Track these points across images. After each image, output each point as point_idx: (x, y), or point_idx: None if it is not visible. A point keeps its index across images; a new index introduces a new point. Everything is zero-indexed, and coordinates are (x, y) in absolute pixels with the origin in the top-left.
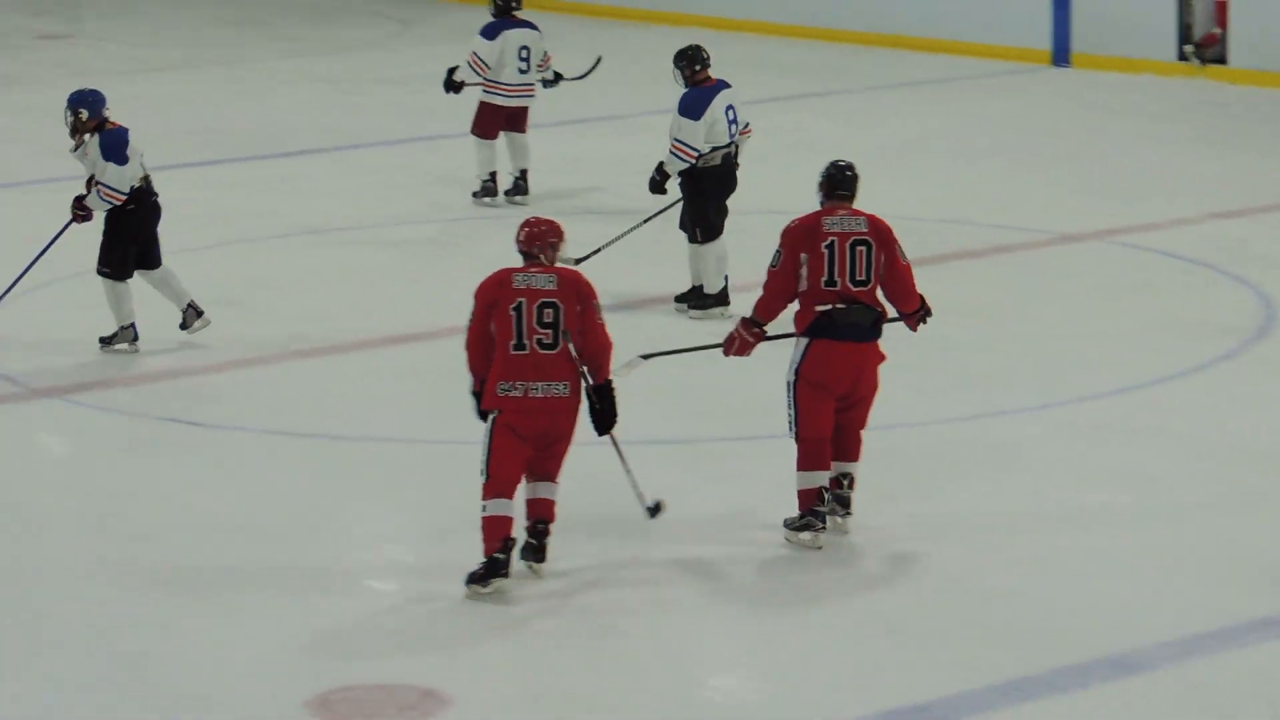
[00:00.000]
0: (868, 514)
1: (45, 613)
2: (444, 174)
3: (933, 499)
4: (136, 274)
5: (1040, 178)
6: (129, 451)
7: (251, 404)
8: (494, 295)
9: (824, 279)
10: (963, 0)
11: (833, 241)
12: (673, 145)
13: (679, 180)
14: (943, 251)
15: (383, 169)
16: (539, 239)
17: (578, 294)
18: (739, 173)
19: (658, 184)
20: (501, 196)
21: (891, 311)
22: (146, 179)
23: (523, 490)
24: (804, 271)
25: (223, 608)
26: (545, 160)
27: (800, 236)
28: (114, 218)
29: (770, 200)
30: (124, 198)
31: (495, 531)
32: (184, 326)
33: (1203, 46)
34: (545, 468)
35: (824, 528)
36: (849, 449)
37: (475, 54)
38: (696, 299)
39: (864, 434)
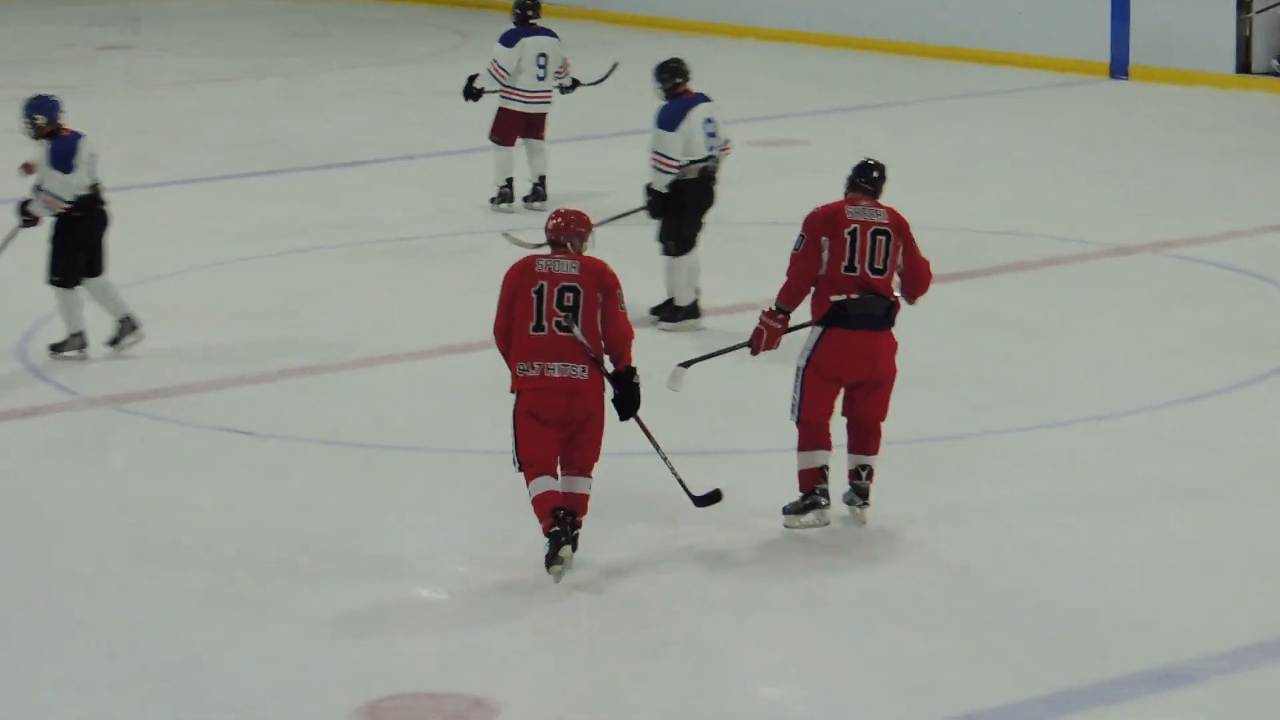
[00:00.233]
0: (919, 526)
1: (94, 620)
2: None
3: (984, 510)
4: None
5: (1094, 190)
6: (181, 461)
7: (303, 414)
8: (518, 281)
9: (844, 264)
10: (1021, 12)
11: (855, 228)
12: (652, 158)
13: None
14: (996, 263)
15: (440, 180)
16: (567, 229)
17: (599, 283)
18: (715, 189)
19: (656, 205)
20: (519, 202)
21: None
22: (95, 187)
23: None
24: (825, 256)
25: (272, 616)
26: (590, 171)
27: (823, 221)
28: (62, 226)
29: None
30: (66, 205)
31: (545, 508)
32: (113, 342)
33: None
34: (577, 459)
35: (828, 505)
36: (868, 441)
37: (495, 61)
38: (668, 312)
39: (915, 445)
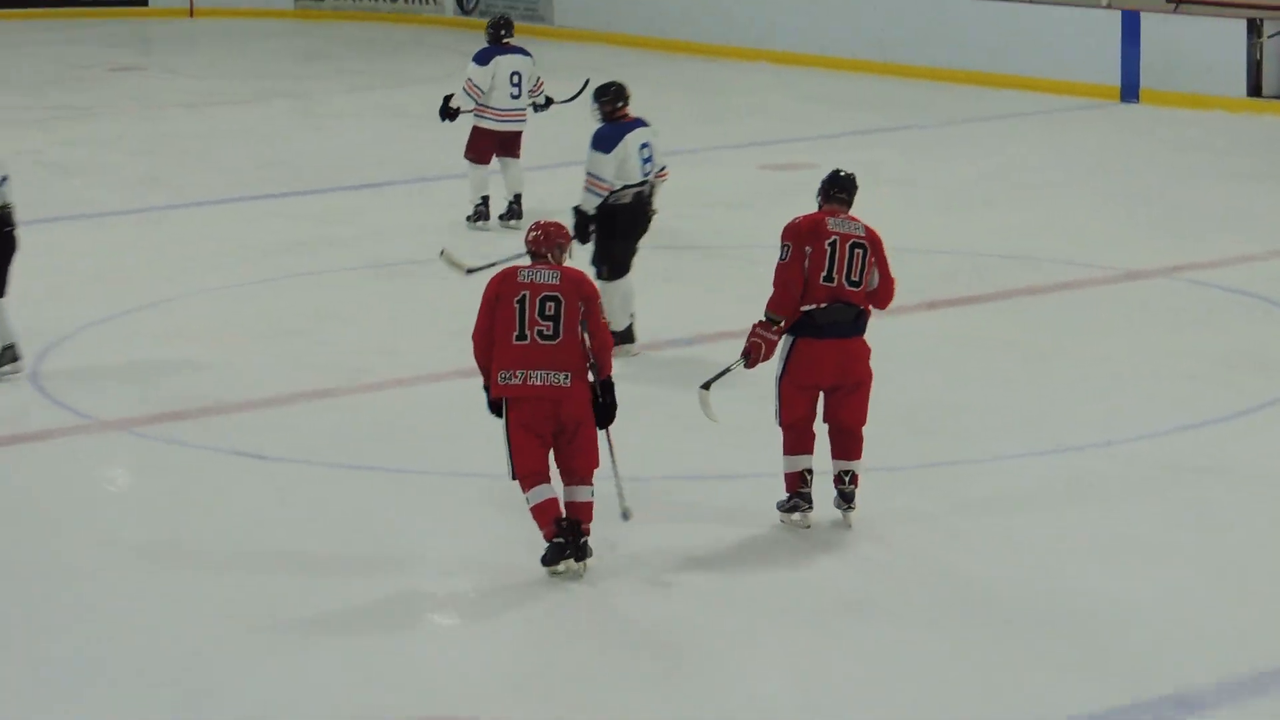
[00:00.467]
0: (929, 551)
1: (108, 645)
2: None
3: (999, 534)
4: None
5: (1108, 213)
6: (195, 484)
7: (317, 436)
8: (498, 290)
9: (823, 274)
10: (1033, 36)
11: (835, 240)
12: (586, 180)
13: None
14: (1010, 287)
15: (450, 202)
16: (547, 240)
17: (580, 292)
18: (654, 214)
19: (581, 227)
20: (495, 220)
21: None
22: (5, 208)
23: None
24: (805, 265)
25: (286, 641)
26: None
27: (806, 231)
28: None
29: None
30: None
31: (546, 517)
32: None
33: None
34: (575, 468)
35: (810, 508)
36: (850, 447)
37: (470, 80)
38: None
39: (928, 469)
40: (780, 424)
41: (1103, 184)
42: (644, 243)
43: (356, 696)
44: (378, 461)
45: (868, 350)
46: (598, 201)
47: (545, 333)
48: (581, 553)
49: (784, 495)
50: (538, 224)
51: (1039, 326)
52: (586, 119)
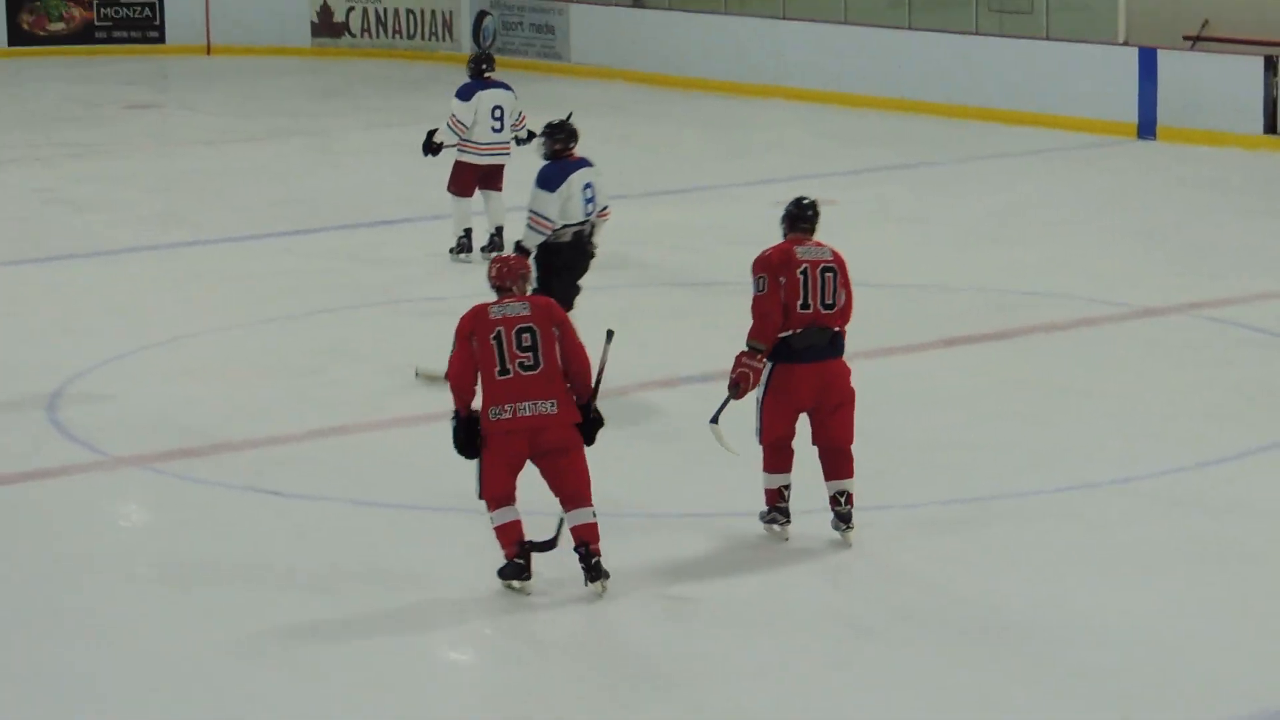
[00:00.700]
0: (949, 586)
1: (122, 680)
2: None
3: (1018, 571)
4: None
5: (1125, 251)
6: (209, 520)
7: (332, 473)
8: (470, 327)
9: (800, 302)
10: (1050, 73)
11: (806, 268)
12: (529, 218)
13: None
14: (1028, 324)
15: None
16: (510, 273)
17: (552, 318)
18: (595, 254)
19: (524, 249)
20: (478, 253)
21: None
22: None
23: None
24: (781, 294)
25: (304, 677)
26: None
27: (777, 263)
28: None
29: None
30: None
31: (508, 538)
32: None
33: None
34: (570, 491)
35: (788, 522)
36: (841, 466)
37: (453, 115)
38: None
39: (946, 505)
40: (760, 442)
41: (1119, 221)
42: (665, 279)
43: None
44: (392, 498)
45: (847, 370)
46: (540, 239)
47: (526, 364)
48: (596, 573)
49: (764, 508)
50: (497, 259)
51: (1056, 363)
52: (595, 158)
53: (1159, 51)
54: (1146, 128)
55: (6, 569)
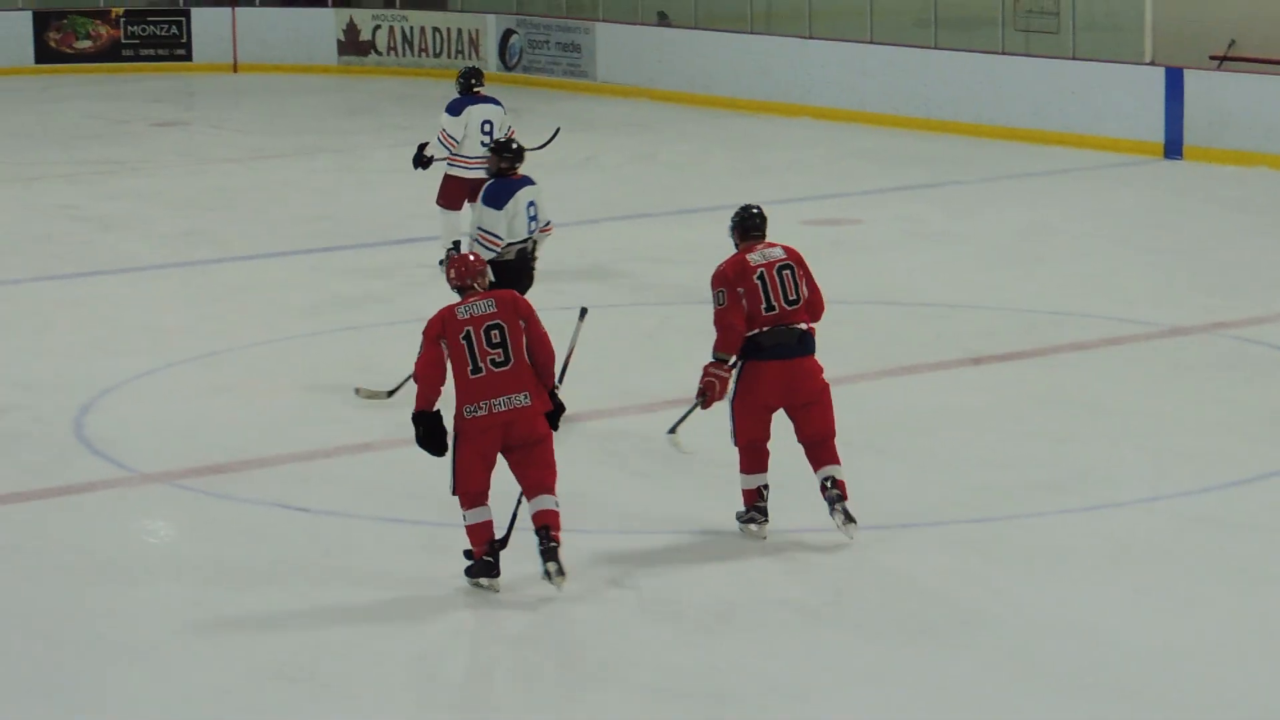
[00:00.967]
0: (975, 606)
1: (149, 696)
2: (554, 261)
3: (1043, 590)
4: None
5: (1151, 270)
6: (237, 536)
7: (359, 490)
8: (439, 330)
9: (763, 306)
10: (1076, 93)
11: (762, 272)
12: (478, 234)
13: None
14: (1055, 343)
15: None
16: (470, 271)
17: (517, 311)
18: (536, 268)
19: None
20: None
21: None
22: None
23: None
24: (744, 304)
25: (332, 695)
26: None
27: (733, 276)
28: None
29: (884, 289)
30: None
31: (479, 537)
32: None
33: None
34: (536, 479)
35: (765, 522)
36: (825, 454)
37: (444, 129)
38: None
39: (973, 524)
40: (736, 444)
41: (1145, 240)
42: (691, 298)
43: None
44: (418, 515)
45: (818, 368)
46: (489, 256)
47: (497, 360)
48: (553, 556)
49: (742, 508)
50: (454, 260)
51: (1082, 383)
52: (604, 178)
53: (1185, 71)
54: (1173, 147)
55: (33, 585)
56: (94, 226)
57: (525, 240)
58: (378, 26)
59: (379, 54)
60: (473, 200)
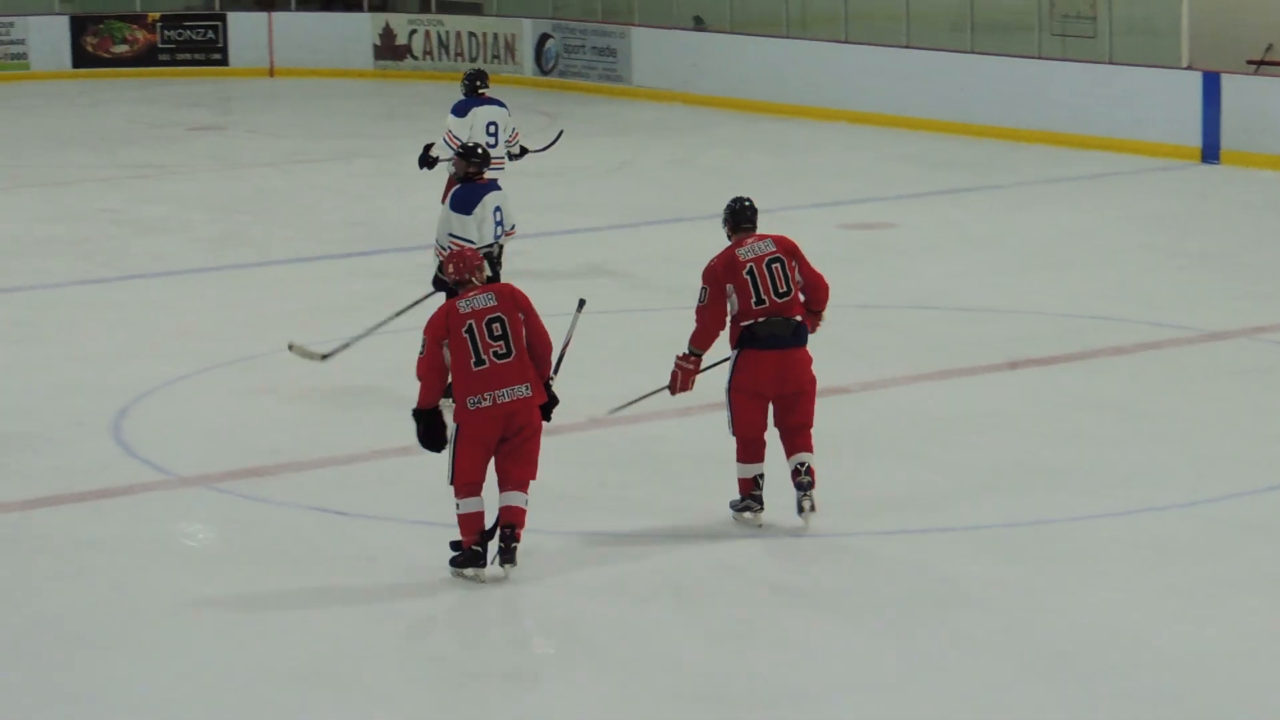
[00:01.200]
0: (1013, 611)
1: (188, 702)
2: (588, 265)
3: (1082, 594)
4: None
5: (1189, 274)
6: (274, 540)
7: (396, 493)
8: (443, 327)
9: (753, 300)
10: (1113, 97)
11: (751, 267)
12: (450, 241)
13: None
14: (1093, 348)
15: (531, 262)
16: (467, 266)
17: (516, 304)
18: (500, 271)
19: (443, 280)
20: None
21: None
22: None
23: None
24: (733, 299)
25: (370, 699)
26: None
27: (722, 272)
28: None
29: (922, 294)
30: None
31: (471, 526)
32: None
33: None
34: (515, 474)
35: (760, 509)
36: (799, 441)
37: (449, 130)
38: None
39: (1010, 528)
40: (733, 434)
41: (1184, 245)
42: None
43: None
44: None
45: (809, 359)
46: None
47: (500, 352)
48: (510, 556)
49: (737, 497)
50: (452, 255)
51: (1121, 387)
52: (640, 183)
53: (1223, 76)
54: (1210, 152)
55: (71, 588)
56: (131, 230)
57: (492, 245)
58: (414, 31)
59: (415, 58)
60: None
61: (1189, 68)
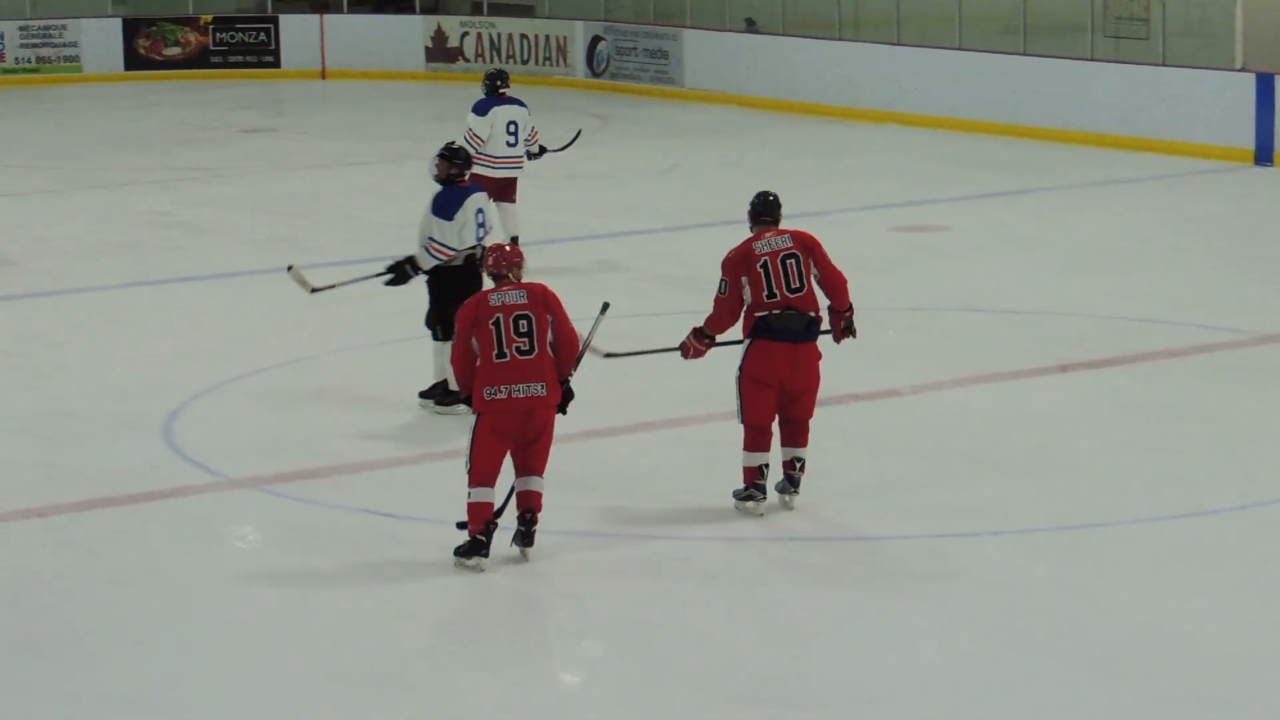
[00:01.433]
0: (1065, 613)
1: (232, 703)
2: (639, 267)
3: (1133, 597)
4: None
5: (1241, 277)
6: (325, 542)
7: (444, 496)
8: (474, 315)
9: (765, 293)
10: (1165, 99)
11: (765, 261)
12: (429, 245)
13: (425, 278)
14: (1144, 350)
15: (584, 266)
16: (506, 261)
17: (546, 304)
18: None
19: (403, 276)
20: None
21: (826, 324)
22: None
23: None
24: (748, 291)
25: (414, 700)
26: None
27: (739, 264)
28: None
29: (972, 296)
30: None
31: (479, 515)
32: None
33: None
34: (532, 464)
35: (764, 499)
36: (798, 437)
37: (470, 129)
38: (440, 395)
39: (1061, 531)
40: (741, 421)
41: (1236, 247)
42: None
43: None
44: (510, 523)
45: (818, 355)
46: (435, 264)
47: (523, 349)
48: (529, 539)
49: (741, 486)
50: (495, 248)
51: (1172, 390)
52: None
53: (1276, 78)
54: (1264, 154)
55: (122, 590)
56: (183, 232)
57: (474, 247)
58: (465, 33)
59: (467, 60)
60: (498, 199)
61: (1243, 69)
